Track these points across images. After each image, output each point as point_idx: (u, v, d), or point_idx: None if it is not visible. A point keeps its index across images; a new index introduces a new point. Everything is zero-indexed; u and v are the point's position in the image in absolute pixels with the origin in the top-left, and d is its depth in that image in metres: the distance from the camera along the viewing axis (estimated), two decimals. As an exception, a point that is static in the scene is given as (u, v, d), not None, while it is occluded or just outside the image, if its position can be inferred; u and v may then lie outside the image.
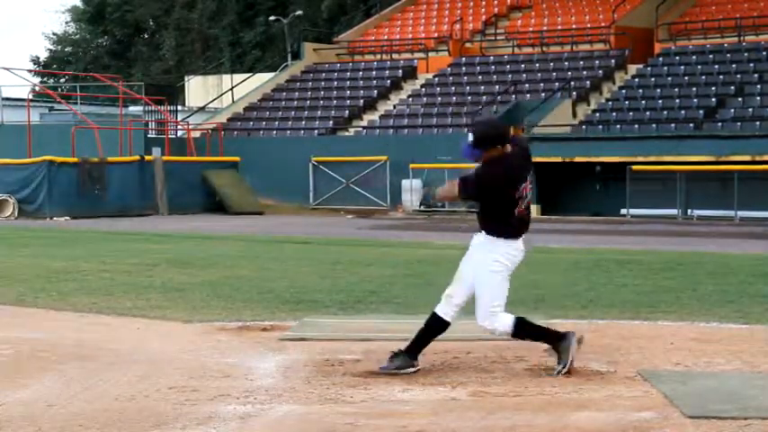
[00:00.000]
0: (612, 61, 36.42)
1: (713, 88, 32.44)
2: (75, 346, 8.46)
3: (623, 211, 28.81)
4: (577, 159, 29.19)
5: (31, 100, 39.20)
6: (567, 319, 9.71)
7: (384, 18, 45.45)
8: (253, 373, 7.41)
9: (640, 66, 35.56)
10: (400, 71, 39.81)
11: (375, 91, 38.89)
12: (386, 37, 43.25)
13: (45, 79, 64.60)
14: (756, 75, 32.68)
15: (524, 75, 36.88)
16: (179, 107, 42.67)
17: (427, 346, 7.48)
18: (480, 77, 37.61)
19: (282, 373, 7.42)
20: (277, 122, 38.22)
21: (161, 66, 66.82)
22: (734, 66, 33.61)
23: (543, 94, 34.17)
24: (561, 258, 15.93)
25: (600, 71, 35.98)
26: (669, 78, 33.80)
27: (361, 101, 38.42)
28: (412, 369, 7.33)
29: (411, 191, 32.09)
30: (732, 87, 32.31)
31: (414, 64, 40.00)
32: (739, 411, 6.15)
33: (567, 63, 36.90)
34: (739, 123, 30.04)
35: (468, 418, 6.13)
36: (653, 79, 34.24)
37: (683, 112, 31.69)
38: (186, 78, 52.95)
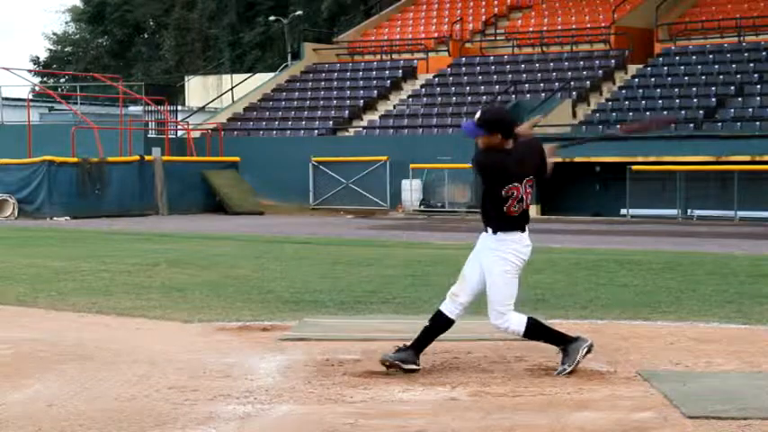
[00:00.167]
0: (612, 61, 36.44)
1: (713, 88, 32.45)
2: (75, 346, 8.45)
3: (623, 211, 28.83)
4: (577, 159, 29.19)
5: (31, 100, 39.28)
6: (567, 319, 9.71)
7: (384, 18, 45.46)
8: (253, 373, 7.41)
9: (640, 66, 35.58)
10: (400, 71, 39.82)
11: (375, 91, 38.90)
12: (386, 37, 43.27)
13: (45, 79, 64.64)
14: (756, 75, 32.69)
15: (524, 75, 36.89)
16: (179, 107, 42.68)
17: (431, 343, 7.48)
18: (480, 77, 37.62)
19: (282, 373, 7.41)
20: (277, 122, 38.23)
21: (161, 66, 66.84)
22: (734, 66, 33.62)
23: (543, 94, 34.18)
24: (561, 258, 15.93)
25: (600, 71, 35.99)
26: (669, 78, 33.81)
27: (361, 101, 38.43)
28: (414, 366, 7.32)
29: (411, 191, 32.10)
30: (732, 87, 32.32)
31: (414, 64, 40.02)
32: (739, 411, 6.15)
33: (566, 63, 36.91)
34: (739, 123, 30.05)
35: (468, 418, 6.12)
36: (653, 79, 34.25)
37: (683, 112, 31.69)
38: (186, 78, 52.97)
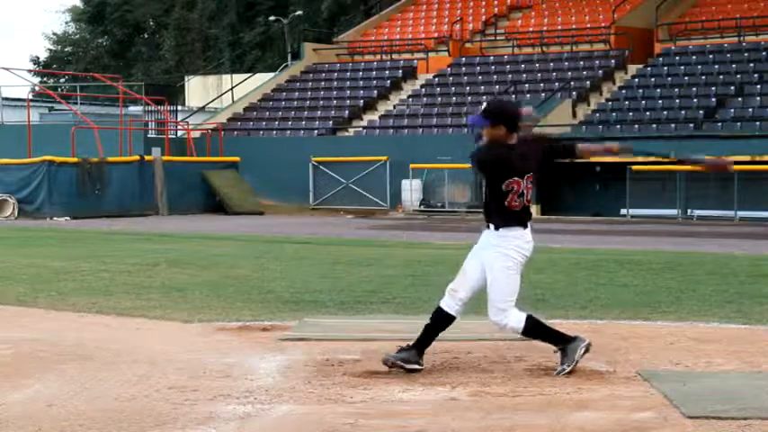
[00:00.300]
0: (612, 61, 36.44)
1: (713, 88, 32.45)
2: (75, 346, 8.45)
3: (623, 211, 28.83)
4: (577, 159, 29.16)
5: (31, 100, 39.28)
6: (567, 319, 9.71)
7: (384, 18, 45.47)
8: (253, 373, 7.41)
9: (640, 66, 35.58)
10: (400, 71, 39.82)
11: (375, 91, 38.90)
12: (386, 37, 43.27)
13: (45, 79, 64.64)
14: (756, 75, 32.69)
15: (524, 75, 36.90)
16: (179, 107, 42.69)
17: (433, 341, 7.47)
18: (480, 77, 37.63)
19: (282, 373, 7.41)
20: (277, 122, 38.24)
21: (161, 66, 66.85)
22: (734, 66, 33.62)
23: (543, 94, 34.18)
24: (561, 258, 15.93)
25: (600, 71, 35.99)
26: (669, 78, 33.81)
27: (361, 101, 38.44)
28: (417, 366, 7.32)
29: (411, 191, 32.11)
30: (732, 87, 32.32)
31: (414, 64, 40.02)
32: (739, 411, 6.15)
33: (566, 63, 36.92)
34: (739, 123, 30.05)
35: (468, 418, 6.12)
36: (653, 79, 34.25)
37: (683, 112, 31.70)
38: (186, 78, 52.97)
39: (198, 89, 51.18)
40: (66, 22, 77.05)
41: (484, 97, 35.24)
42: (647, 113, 31.98)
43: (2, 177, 29.68)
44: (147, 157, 31.86)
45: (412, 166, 31.95)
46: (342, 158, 33.50)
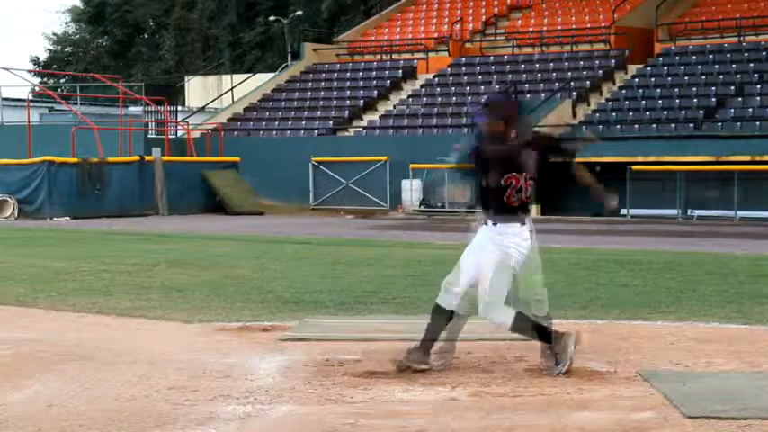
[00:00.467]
0: (612, 61, 36.42)
1: (713, 88, 32.44)
2: (75, 347, 8.45)
3: (623, 211, 28.81)
4: (577, 159, 29.15)
5: (31, 100, 39.26)
6: (567, 319, 9.71)
7: (384, 18, 45.46)
8: (253, 373, 7.41)
9: (640, 66, 35.57)
10: (400, 71, 39.81)
11: (375, 91, 38.90)
12: (386, 37, 43.26)
13: (45, 79, 64.64)
14: (756, 75, 32.68)
15: (524, 75, 36.89)
16: (179, 107, 42.68)
17: (438, 338, 7.48)
18: (480, 77, 37.62)
19: (282, 373, 7.41)
20: (277, 122, 38.23)
21: (161, 66, 66.84)
22: (734, 66, 33.61)
23: (543, 95, 34.17)
24: (561, 258, 15.92)
25: (600, 71, 35.98)
26: (669, 78, 33.80)
27: (361, 101, 38.43)
28: (425, 366, 7.34)
29: (411, 191, 32.10)
30: (732, 87, 32.31)
31: (414, 64, 40.01)
32: (739, 411, 6.15)
33: (566, 63, 36.90)
34: (739, 123, 30.04)
35: (468, 418, 6.13)
36: (653, 79, 34.24)
37: (683, 112, 31.68)
38: (186, 78, 52.96)
39: (198, 89, 51.17)
40: (66, 23, 77.09)
41: (484, 97, 35.26)
42: (647, 113, 31.98)
43: (2, 178, 29.67)
44: (147, 158, 31.85)
45: (412, 166, 31.94)
46: (342, 158, 33.50)
